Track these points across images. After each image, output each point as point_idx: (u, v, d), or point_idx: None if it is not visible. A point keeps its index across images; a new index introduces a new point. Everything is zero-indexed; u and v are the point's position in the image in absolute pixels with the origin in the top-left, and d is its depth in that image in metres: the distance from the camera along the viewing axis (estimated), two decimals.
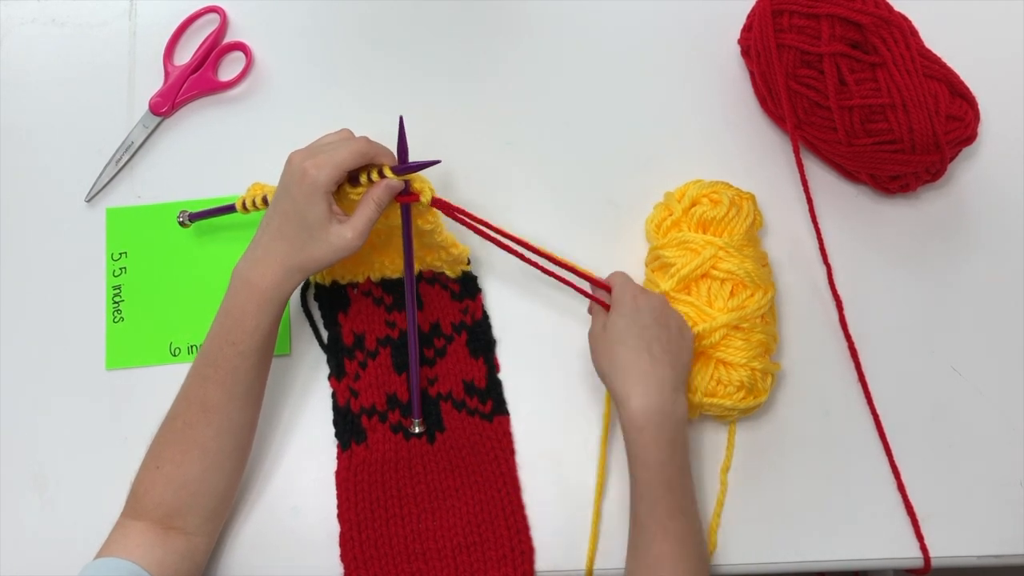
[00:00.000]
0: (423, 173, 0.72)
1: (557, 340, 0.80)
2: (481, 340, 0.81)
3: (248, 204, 0.77)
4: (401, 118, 0.71)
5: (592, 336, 0.74)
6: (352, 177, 0.71)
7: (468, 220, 0.74)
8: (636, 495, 0.69)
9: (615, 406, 0.71)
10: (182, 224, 0.83)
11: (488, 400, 0.79)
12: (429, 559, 0.74)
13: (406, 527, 0.76)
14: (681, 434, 0.70)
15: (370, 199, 0.70)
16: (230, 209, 0.79)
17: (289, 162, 0.70)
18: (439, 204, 0.73)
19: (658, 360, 0.70)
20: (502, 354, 0.81)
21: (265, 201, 0.76)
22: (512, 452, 0.78)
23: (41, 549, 0.77)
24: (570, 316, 0.81)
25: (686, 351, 0.73)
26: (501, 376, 0.80)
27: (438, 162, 0.72)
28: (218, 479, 0.71)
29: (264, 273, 0.69)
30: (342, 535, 0.75)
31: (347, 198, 0.72)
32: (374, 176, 0.70)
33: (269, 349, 0.72)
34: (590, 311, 0.77)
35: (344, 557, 0.75)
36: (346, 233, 0.69)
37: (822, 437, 0.78)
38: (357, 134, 0.73)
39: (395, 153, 0.71)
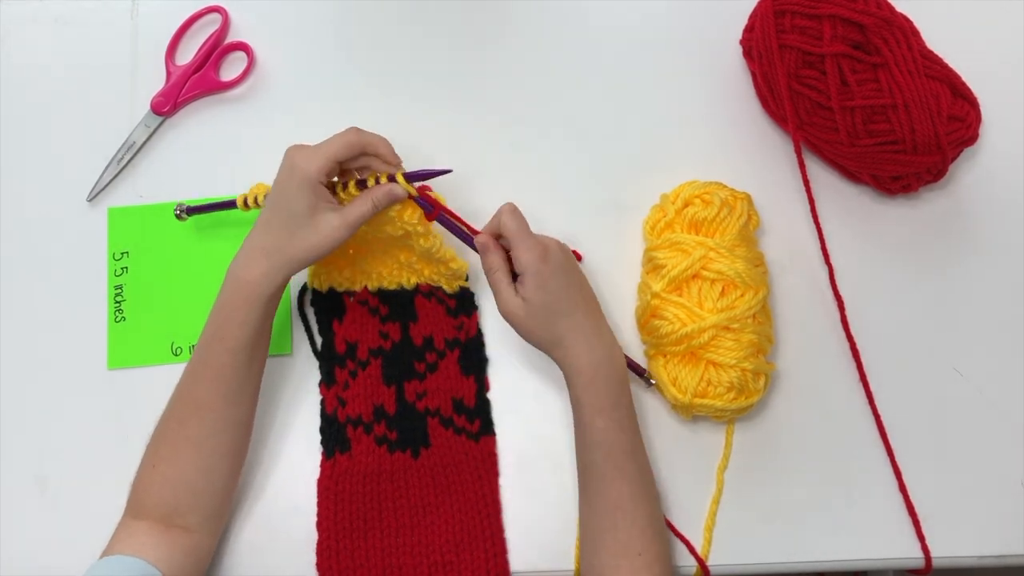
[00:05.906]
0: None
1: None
2: (473, 358, 0.80)
3: (250, 201, 0.77)
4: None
5: (511, 310, 0.70)
6: (360, 181, 0.71)
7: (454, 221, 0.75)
8: (589, 443, 0.69)
9: (558, 364, 0.71)
10: (179, 217, 0.82)
11: (476, 419, 0.78)
12: (404, 574, 0.74)
13: (384, 541, 0.75)
14: (624, 373, 0.71)
15: (368, 198, 0.71)
16: (228, 205, 0.79)
17: (284, 156, 0.70)
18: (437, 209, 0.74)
19: (589, 310, 0.71)
20: (493, 373, 0.80)
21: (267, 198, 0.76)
22: (496, 474, 0.77)
23: (42, 549, 0.77)
24: None
25: (587, 280, 0.73)
26: (490, 395, 0.79)
27: (449, 171, 0.72)
28: (215, 477, 0.71)
29: (251, 267, 0.69)
30: (319, 544, 0.75)
31: (352, 199, 0.72)
32: (383, 181, 0.71)
33: (260, 347, 0.71)
34: (490, 269, 0.72)
35: (320, 566, 0.74)
36: (333, 220, 0.69)
37: (823, 437, 0.78)
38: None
39: (395, 154, 0.71)
